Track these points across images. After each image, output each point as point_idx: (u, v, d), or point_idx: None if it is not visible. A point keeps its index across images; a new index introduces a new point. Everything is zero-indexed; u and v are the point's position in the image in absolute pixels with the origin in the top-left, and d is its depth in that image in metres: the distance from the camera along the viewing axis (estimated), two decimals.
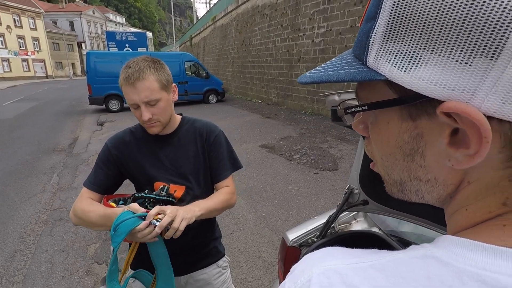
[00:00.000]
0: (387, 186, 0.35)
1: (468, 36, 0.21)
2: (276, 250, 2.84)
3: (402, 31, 0.25)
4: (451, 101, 0.23)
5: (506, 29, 0.20)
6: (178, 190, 1.14)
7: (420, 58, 0.24)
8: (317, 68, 0.34)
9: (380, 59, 0.27)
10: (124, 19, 73.87)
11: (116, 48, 17.90)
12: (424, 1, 0.23)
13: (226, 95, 14.73)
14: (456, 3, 0.21)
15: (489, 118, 0.22)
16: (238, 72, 16.65)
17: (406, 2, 0.24)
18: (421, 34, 0.24)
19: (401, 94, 0.27)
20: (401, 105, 0.27)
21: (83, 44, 52.78)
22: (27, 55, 40.03)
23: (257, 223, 3.30)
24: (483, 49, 0.21)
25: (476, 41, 0.21)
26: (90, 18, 55.01)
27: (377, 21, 0.26)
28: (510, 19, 0.20)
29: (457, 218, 0.28)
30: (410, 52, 0.25)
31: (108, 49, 17.66)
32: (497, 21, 0.20)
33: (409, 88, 0.25)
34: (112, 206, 1.03)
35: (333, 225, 1.47)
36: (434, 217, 1.08)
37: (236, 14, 16.82)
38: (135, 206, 0.94)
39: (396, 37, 0.25)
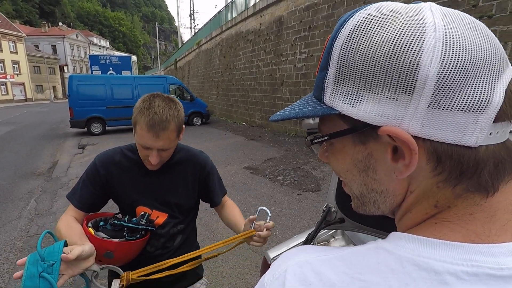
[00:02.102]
0: (352, 202, 0.42)
1: (391, 80, 0.29)
2: (259, 272, 2.84)
3: (346, 77, 0.33)
4: (386, 126, 0.30)
5: (414, 74, 0.28)
6: (160, 217, 1.16)
7: (362, 96, 0.31)
8: (285, 108, 0.42)
9: (333, 98, 0.34)
10: (108, 42, 74.26)
11: (100, 72, 17.86)
12: (358, 57, 0.31)
13: (210, 117, 14.86)
14: (378, 59, 0.30)
15: (416, 137, 0.30)
16: (222, 95, 16.90)
17: (347, 57, 0.32)
18: (360, 79, 0.31)
19: (351, 124, 0.34)
20: (353, 133, 0.34)
21: (65, 67, 52.30)
22: (6, 79, 39.18)
23: (240, 245, 3.28)
24: (403, 88, 0.29)
25: (397, 83, 0.29)
26: (74, 42, 54.99)
27: (328, 70, 0.34)
28: (415, 68, 0.28)
29: (403, 221, 0.36)
30: (354, 92, 0.32)
31: (92, 73, 17.60)
32: (408, 68, 0.28)
33: (357, 118, 0.32)
34: (89, 232, 1.03)
35: (312, 243, 1.53)
36: None
37: (221, 39, 17.32)
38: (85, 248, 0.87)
39: (343, 81, 0.33)
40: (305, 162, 6.65)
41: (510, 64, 0.31)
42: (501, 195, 0.30)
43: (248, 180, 5.53)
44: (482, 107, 0.28)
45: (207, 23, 21.46)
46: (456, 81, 0.27)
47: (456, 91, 0.27)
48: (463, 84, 0.27)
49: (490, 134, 0.29)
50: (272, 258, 1.40)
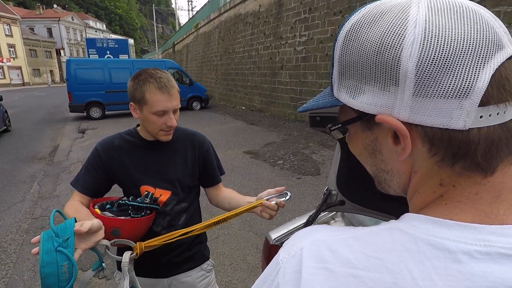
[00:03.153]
0: (375, 181, 0.45)
1: (380, 74, 0.32)
2: (260, 253, 2.92)
3: (346, 73, 0.37)
4: (380, 114, 0.33)
5: (397, 68, 0.31)
6: (163, 195, 1.20)
7: (361, 89, 0.35)
8: (309, 101, 0.46)
9: (340, 91, 0.39)
10: (104, 25, 72.73)
11: (97, 55, 17.61)
12: (353, 55, 0.35)
13: (209, 102, 14.77)
14: (369, 56, 0.33)
15: (409, 123, 0.32)
16: (221, 79, 16.74)
17: (345, 55, 0.36)
18: (357, 74, 0.35)
19: (358, 113, 0.37)
20: (360, 121, 0.37)
21: (62, 51, 51.51)
22: (2, 62, 38.64)
23: (241, 227, 3.37)
24: (390, 80, 0.32)
25: (385, 76, 0.32)
26: (69, 25, 53.86)
27: (333, 68, 0.39)
28: (397, 63, 0.31)
29: (414, 201, 0.38)
30: (355, 85, 0.36)
31: (89, 56, 17.36)
32: (391, 63, 0.31)
33: (357, 109, 0.36)
34: (96, 213, 1.07)
35: (312, 224, 1.57)
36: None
37: (219, 21, 16.98)
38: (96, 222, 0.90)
39: (345, 76, 0.37)
40: (305, 146, 6.68)
41: (506, 47, 0.30)
42: (505, 176, 0.32)
43: (248, 164, 5.57)
44: (465, 93, 0.29)
45: (205, 5, 20.96)
46: (435, 71, 0.29)
47: (437, 80, 0.29)
48: (443, 73, 0.29)
49: (481, 117, 0.30)
50: (274, 239, 1.44)
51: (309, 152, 6.20)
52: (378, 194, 1.61)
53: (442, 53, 0.29)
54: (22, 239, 3.18)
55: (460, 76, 0.29)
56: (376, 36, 0.32)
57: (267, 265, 1.31)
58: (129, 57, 19.18)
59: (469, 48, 0.29)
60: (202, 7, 22.02)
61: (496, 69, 0.29)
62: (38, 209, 3.91)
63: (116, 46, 19.01)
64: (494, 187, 0.32)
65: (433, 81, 0.29)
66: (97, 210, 1.07)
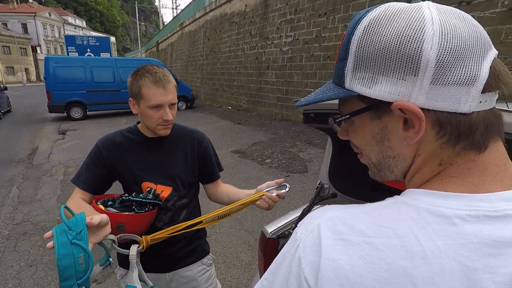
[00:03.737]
0: (370, 170, 0.49)
1: (400, 64, 0.36)
2: (252, 250, 2.95)
3: (363, 65, 0.40)
4: (398, 101, 0.37)
5: (418, 58, 0.35)
6: (165, 191, 1.21)
7: (377, 79, 0.39)
8: (309, 95, 0.48)
9: (353, 83, 0.41)
10: (84, 22, 70.57)
11: (77, 53, 17.09)
12: (373, 48, 0.38)
13: (195, 101, 14.66)
14: (389, 49, 0.37)
15: (422, 108, 0.37)
16: (207, 78, 16.65)
17: (363, 48, 0.39)
18: (375, 65, 0.38)
19: (369, 103, 0.41)
20: (370, 110, 0.41)
21: (38, 48, 49.56)
22: None
23: (232, 225, 3.39)
24: (409, 70, 0.36)
25: (404, 66, 0.36)
26: (46, 21, 51.91)
27: (348, 60, 0.41)
28: (419, 54, 0.35)
29: (414, 180, 0.43)
30: (370, 76, 0.39)
31: (68, 54, 16.80)
32: (413, 55, 0.35)
33: (373, 97, 0.39)
34: (100, 208, 1.08)
35: None
36: None
37: (205, 20, 16.88)
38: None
39: (360, 68, 0.40)
40: (292, 145, 6.76)
41: (493, 47, 0.38)
42: (490, 153, 0.38)
43: (237, 163, 5.59)
44: (472, 81, 0.35)
45: (190, 3, 20.77)
46: (451, 62, 0.35)
47: (451, 70, 0.35)
48: (456, 64, 0.35)
49: (480, 102, 0.36)
50: (270, 232, 1.48)
51: (296, 151, 6.29)
52: (369, 185, 1.69)
53: (456, 46, 0.34)
54: (4, 246, 3.06)
55: (469, 66, 0.35)
56: (398, 31, 0.36)
57: (264, 258, 1.35)
58: (111, 56, 18.73)
59: (474, 43, 0.35)
60: (187, 6, 21.79)
61: (492, 62, 0.36)
62: (19, 214, 3.77)
63: (97, 44, 18.51)
64: (483, 163, 0.38)
65: (448, 70, 0.35)
66: (101, 206, 1.08)
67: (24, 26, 48.94)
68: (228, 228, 3.33)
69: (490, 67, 0.36)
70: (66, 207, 0.87)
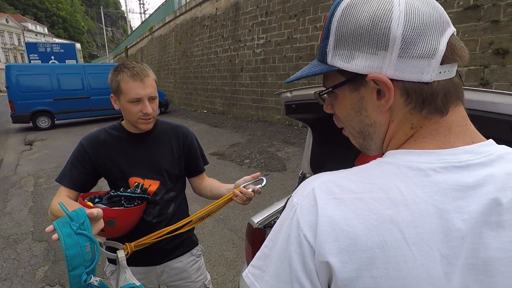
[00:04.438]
0: (354, 141, 0.54)
1: (372, 41, 0.42)
2: (237, 247, 2.99)
3: (342, 42, 0.45)
4: (371, 73, 0.43)
5: (388, 35, 0.41)
6: (152, 185, 1.23)
7: (353, 55, 0.44)
8: (297, 72, 0.54)
9: (334, 59, 0.47)
10: (46, 28, 67.14)
11: (39, 61, 16.30)
12: (350, 27, 0.44)
13: (169, 106, 14.43)
14: (364, 27, 0.42)
15: (391, 79, 0.42)
16: (180, 83, 16.44)
17: (342, 28, 0.45)
18: (352, 42, 0.44)
19: (347, 77, 0.46)
20: (349, 83, 0.47)
21: None
22: None
23: (215, 225, 3.40)
24: (380, 46, 0.42)
25: (376, 42, 0.42)
26: (3, 28, 48.87)
27: (329, 39, 0.47)
28: (388, 32, 0.41)
29: (391, 146, 0.49)
30: (348, 53, 0.45)
31: (30, 62, 15.97)
32: (383, 32, 0.42)
33: (351, 71, 0.45)
34: (88, 205, 1.08)
35: None
36: None
37: (175, 24, 16.68)
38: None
39: (340, 45, 0.46)
40: (269, 145, 6.86)
41: (451, 25, 0.43)
42: (453, 115, 0.44)
43: (216, 165, 5.60)
44: (432, 54, 0.41)
45: (159, 7, 20.45)
46: (414, 38, 0.40)
47: (415, 45, 0.41)
48: (419, 39, 0.41)
49: (440, 73, 0.42)
50: (257, 223, 1.54)
51: (274, 150, 6.39)
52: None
53: (419, 24, 0.41)
54: None
55: (429, 41, 0.41)
56: (370, 12, 0.42)
57: (252, 248, 1.41)
58: (77, 62, 18.02)
59: (433, 22, 0.42)
60: (156, 10, 21.44)
61: (449, 38, 0.42)
62: None
63: (62, 50, 17.77)
64: (447, 124, 0.44)
65: (412, 45, 0.41)
66: (89, 203, 1.08)
67: None
68: (211, 228, 3.35)
69: (448, 42, 0.42)
70: (60, 204, 0.88)
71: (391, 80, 0.42)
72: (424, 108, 0.44)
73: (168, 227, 1.18)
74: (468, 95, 0.90)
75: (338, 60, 0.46)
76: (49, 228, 0.77)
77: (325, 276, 0.40)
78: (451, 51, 0.42)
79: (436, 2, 0.43)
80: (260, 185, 1.13)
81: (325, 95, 0.53)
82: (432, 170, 0.41)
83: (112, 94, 1.18)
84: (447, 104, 0.44)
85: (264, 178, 1.16)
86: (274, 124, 9.27)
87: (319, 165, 1.63)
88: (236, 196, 1.11)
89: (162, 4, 19.55)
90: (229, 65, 11.61)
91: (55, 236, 0.74)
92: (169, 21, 17.46)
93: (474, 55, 5.18)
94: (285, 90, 1.35)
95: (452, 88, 0.44)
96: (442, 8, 0.43)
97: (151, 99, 1.14)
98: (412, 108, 0.44)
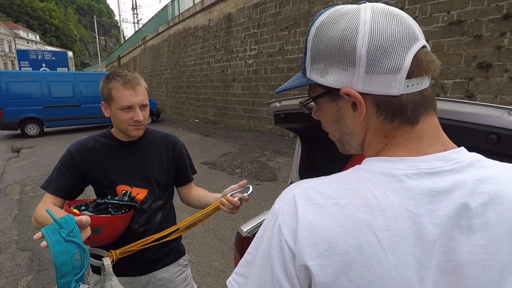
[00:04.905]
0: (337, 146, 0.57)
1: (342, 58, 0.45)
2: (226, 257, 2.96)
3: (317, 58, 0.48)
4: (343, 88, 0.46)
5: (354, 54, 0.44)
6: (140, 193, 1.23)
7: (328, 70, 0.47)
8: (286, 82, 0.57)
9: (311, 73, 0.50)
10: (38, 36, 66.71)
11: (30, 68, 16.12)
12: (322, 45, 0.47)
13: (161, 115, 14.39)
14: (333, 45, 0.45)
15: (362, 93, 0.45)
16: (172, 92, 16.45)
17: (315, 45, 0.48)
18: (325, 59, 0.47)
19: (325, 89, 0.49)
20: (327, 95, 0.50)
21: None
22: None
23: (205, 235, 3.37)
24: (349, 63, 0.44)
25: (345, 60, 0.45)
26: None
27: (306, 55, 0.50)
28: (353, 50, 0.43)
29: (369, 153, 0.51)
30: (323, 68, 0.48)
31: (20, 69, 15.79)
32: (350, 51, 0.44)
33: (326, 85, 0.48)
34: (75, 213, 1.07)
35: None
36: None
37: (168, 35, 16.80)
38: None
39: (316, 61, 0.49)
40: (261, 155, 6.88)
41: (419, 39, 0.45)
42: (424, 125, 0.46)
43: (207, 174, 5.58)
44: (397, 70, 0.43)
45: (152, 18, 20.61)
46: (378, 56, 0.43)
47: (380, 62, 0.43)
48: (383, 57, 0.43)
49: (407, 86, 0.44)
50: (246, 231, 1.54)
51: (265, 160, 6.41)
52: None
53: (382, 43, 0.43)
54: None
55: (394, 58, 0.43)
56: (338, 31, 0.45)
57: (240, 257, 1.41)
58: (68, 70, 17.88)
59: (398, 39, 0.44)
60: (149, 20, 21.58)
61: (415, 54, 0.44)
62: None
63: (54, 58, 17.60)
64: (418, 133, 0.46)
65: (378, 62, 0.43)
66: (75, 211, 1.07)
67: None
68: (200, 238, 3.32)
69: (414, 57, 0.43)
70: (47, 211, 0.88)
71: (362, 94, 0.45)
72: (394, 119, 0.46)
73: (155, 235, 1.18)
74: (447, 105, 0.95)
75: (315, 74, 0.49)
76: (38, 235, 0.76)
77: (305, 280, 0.41)
78: (416, 66, 0.44)
79: (405, 17, 0.45)
80: (246, 193, 1.13)
81: (312, 103, 0.56)
82: (405, 176, 0.43)
83: (103, 102, 1.18)
84: (417, 115, 0.46)
85: (250, 186, 1.16)
86: (266, 134, 9.31)
87: (307, 174, 1.65)
88: (223, 205, 1.12)
89: (155, 14, 19.72)
90: (221, 75, 11.71)
91: (43, 243, 0.74)
92: (163, 31, 17.59)
93: (459, 68, 5.36)
94: (274, 100, 1.39)
95: (422, 100, 0.45)
96: (412, 22, 0.45)
97: (142, 106, 1.16)
98: (383, 119, 0.46)
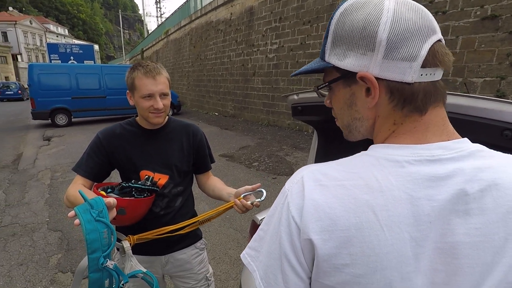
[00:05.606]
0: (343, 132, 0.59)
1: (362, 43, 0.47)
2: (241, 247, 3.05)
3: (338, 42, 0.50)
4: (360, 71, 0.47)
5: (375, 39, 0.45)
6: (161, 179, 1.31)
7: (346, 54, 0.49)
8: (302, 67, 0.60)
9: (330, 57, 0.52)
10: (66, 30, 69.38)
11: (59, 61, 16.84)
12: (344, 30, 0.49)
13: (182, 108, 14.67)
14: (356, 30, 0.47)
15: (377, 78, 0.47)
16: (193, 85, 16.71)
17: (338, 30, 0.50)
18: (345, 43, 0.49)
19: (341, 73, 0.51)
20: (342, 79, 0.51)
21: (19, 56, 48.26)
22: None
23: (221, 224, 3.48)
24: (368, 47, 0.46)
25: (365, 44, 0.47)
26: (27, 29, 50.73)
27: (327, 39, 0.52)
28: (375, 36, 0.45)
29: (377, 139, 0.52)
30: (342, 52, 0.50)
31: (50, 62, 16.54)
32: (371, 36, 0.46)
33: (343, 68, 0.50)
34: (102, 194, 1.16)
35: None
36: None
37: (190, 28, 17.01)
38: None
39: (336, 45, 0.51)
40: (279, 149, 6.91)
41: (437, 33, 0.47)
42: (432, 116, 0.48)
43: (225, 166, 5.69)
44: (414, 58, 0.45)
45: (175, 11, 20.90)
46: (398, 42, 0.45)
47: (399, 48, 0.45)
48: (402, 44, 0.45)
49: (421, 75, 0.46)
50: (261, 219, 1.60)
51: (283, 154, 6.44)
52: None
53: (403, 30, 0.46)
54: None
55: (412, 46, 0.46)
56: (362, 17, 0.47)
57: None
58: (94, 63, 18.54)
59: (418, 29, 0.46)
60: (172, 14, 21.90)
61: (432, 45, 0.47)
62: (7, 217, 3.74)
63: (81, 51, 18.28)
64: (425, 123, 0.48)
65: (396, 49, 0.46)
66: (102, 192, 1.16)
67: (4, 35, 47.60)
68: (217, 227, 3.42)
69: (430, 48, 0.45)
70: (80, 192, 0.97)
71: (377, 78, 0.47)
72: (405, 106, 0.48)
73: (170, 227, 1.25)
74: (461, 100, 0.95)
75: (333, 58, 0.51)
76: (71, 213, 0.85)
77: (309, 253, 0.46)
78: (432, 56, 0.46)
79: (425, 11, 0.47)
80: (259, 199, 1.18)
81: (325, 90, 0.59)
82: (407, 162, 0.45)
83: (128, 91, 1.27)
84: (426, 104, 0.47)
85: (264, 191, 1.20)
86: (284, 129, 9.32)
87: None
88: (236, 205, 1.18)
89: (178, 8, 19.98)
90: (241, 69, 11.76)
91: (76, 221, 0.82)
92: (185, 25, 17.82)
93: (490, 66, 5.12)
94: (292, 93, 1.42)
95: (433, 90, 0.47)
96: (431, 17, 0.47)
97: (162, 95, 1.23)
98: (394, 105, 0.48)
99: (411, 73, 0.46)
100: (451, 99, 0.98)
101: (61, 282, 2.50)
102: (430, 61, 0.46)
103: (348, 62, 0.49)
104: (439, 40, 0.47)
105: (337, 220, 0.44)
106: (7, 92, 25.54)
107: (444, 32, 5.63)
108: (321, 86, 0.58)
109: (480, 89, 5.27)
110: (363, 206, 0.43)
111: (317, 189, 0.47)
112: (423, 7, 0.49)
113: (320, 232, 0.44)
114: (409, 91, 0.47)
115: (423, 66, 0.46)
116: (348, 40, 0.49)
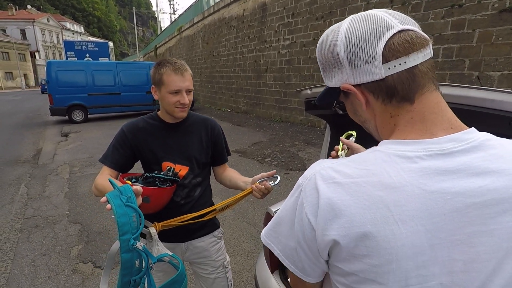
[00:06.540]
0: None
1: (334, 63, 0.56)
2: (254, 240, 3.10)
3: (324, 69, 0.60)
4: (342, 85, 0.56)
5: (338, 57, 0.54)
6: (182, 170, 1.37)
7: (332, 75, 0.58)
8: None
9: (326, 81, 0.61)
10: (82, 28, 70.84)
11: (75, 58, 17.29)
12: (323, 59, 0.59)
13: (194, 104, 14.82)
14: (328, 56, 0.56)
15: (357, 85, 0.54)
16: (206, 82, 16.84)
17: (321, 60, 0.60)
18: (327, 68, 0.58)
19: (338, 90, 0.58)
20: (341, 94, 0.60)
21: (36, 54, 49.67)
22: None
23: (235, 218, 3.54)
24: (339, 65, 0.55)
25: (336, 63, 0.55)
26: (45, 27, 52.10)
27: (320, 68, 0.62)
28: (337, 54, 0.54)
29: (383, 135, 0.57)
30: (329, 74, 0.59)
31: (67, 59, 17.00)
32: (336, 56, 0.55)
33: (333, 86, 0.59)
34: (127, 183, 1.23)
35: None
36: None
37: (203, 25, 17.10)
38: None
39: (324, 71, 0.61)
40: (291, 145, 6.93)
41: (393, 27, 0.49)
42: (422, 103, 0.50)
43: (237, 162, 5.75)
44: (373, 58, 0.50)
45: (188, 8, 21.04)
46: (354, 52, 0.51)
47: (358, 56, 0.51)
48: (358, 52, 0.51)
49: (389, 68, 0.49)
50: (274, 211, 1.64)
51: (295, 150, 6.45)
52: None
53: (355, 41, 0.52)
54: (17, 238, 3.20)
55: (368, 50, 0.51)
56: (328, 43, 0.56)
57: None
58: (109, 60, 18.91)
59: (369, 35, 0.51)
60: (185, 11, 22.05)
61: (387, 40, 0.50)
62: (29, 209, 3.91)
63: (96, 49, 18.71)
64: (419, 111, 0.51)
65: (356, 57, 0.52)
66: (128, 182, 1.23)
67: (23, 32, 49.05)
68: (231, 220, 3.48)
69: (385, 44, 0.49)
70: (110, 180, 1.04)
71: (357, 85, 0.54)
72: (392, 99, 0.52)
73: (192, 214, 1.30)
74: (471, 92, 0.96)
75: (328, 81, 0.61)
76: (103, 199, 0.92)
77: (326, 248, 0.50)
78: (388, 50, 0.49)
79: (378, 15, 0.51)
80: (273, 182, 1.24)
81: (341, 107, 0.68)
82: (418, 157, 0.47)
83: (153, 86, 1.33)
84: (410, 92, 0.50)
85: (278, 176, 1.27)
86: (297, 125, 9.31)
87: None
88: (255, 191, 1.23)
89: (191, 5, 20.10)
90: (254, 65, 11.78)
91: (108, 206, 0.89)
92: (198, 22, 17.92)
93: (508, 60, 4.98)
94: (305, 88, 1.45)
95: (411, 78, 0.50)
96: (386, 16, 0.51)
97: (188, 91, 1.30)
98: (382, 101, 0.53)
99: (377, 71, 0.50)
100: (461, 92, 0.99)
101: (83, 272, 2.61)
102: (389, 54, 0.49)
103: (335, 80, 0.58)
104: (400, 31, 0.49)
105: (353, 217, 0.46)
106: (46, 87, 27.34)
107: (459, 26, 5.51)
108: (335, 105, 0.72)
109: (497, 82, 5.14)
110: (378, 202, 0.46)
111: (332, 187, 0.49)
112: (376, 12, 0.52)
113: (337, 229, 0.47)
114: (385, 86, 0.51)
115: (386, 61, 0.49)
116: (328, 64, 0.58)
